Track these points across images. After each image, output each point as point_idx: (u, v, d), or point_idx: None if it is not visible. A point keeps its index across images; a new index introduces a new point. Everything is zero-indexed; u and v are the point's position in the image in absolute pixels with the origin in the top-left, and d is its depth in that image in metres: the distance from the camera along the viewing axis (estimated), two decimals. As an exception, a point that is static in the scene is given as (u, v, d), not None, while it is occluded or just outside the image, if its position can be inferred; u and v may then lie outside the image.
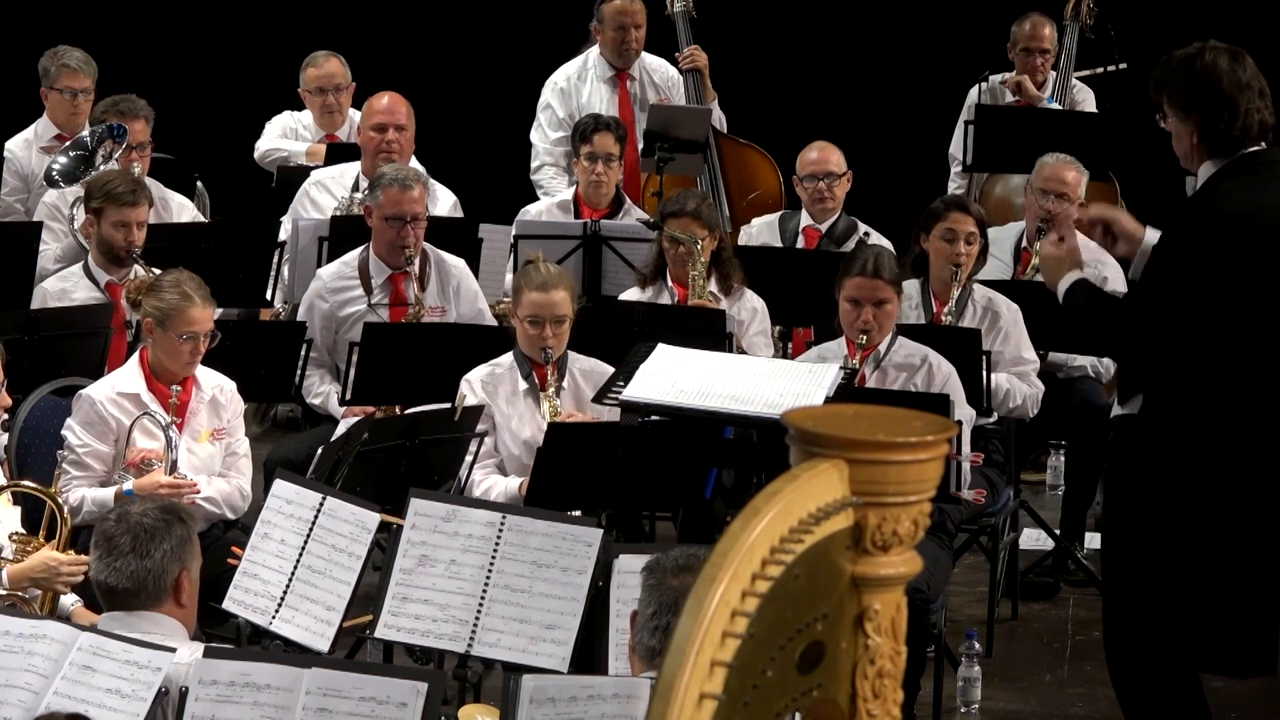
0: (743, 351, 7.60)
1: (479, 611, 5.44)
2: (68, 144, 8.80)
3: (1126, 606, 5.61)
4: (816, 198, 8.73)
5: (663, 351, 6.59)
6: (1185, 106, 5.49)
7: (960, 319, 7.70)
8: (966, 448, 6.73)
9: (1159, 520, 5.48)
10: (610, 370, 7.00)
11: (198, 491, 6.59)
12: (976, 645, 6.97)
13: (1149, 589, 5.53)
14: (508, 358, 7.11)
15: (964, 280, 7.66)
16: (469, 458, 6.75)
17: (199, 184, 9.71)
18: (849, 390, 6.56)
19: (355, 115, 9.53)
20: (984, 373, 7.40)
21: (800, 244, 8.75)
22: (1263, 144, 5.51)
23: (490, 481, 6.88)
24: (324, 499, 5.63)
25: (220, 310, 7.50)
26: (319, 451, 6.39)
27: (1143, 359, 5.53)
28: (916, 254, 7.74)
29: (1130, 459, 5.58)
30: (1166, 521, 5.47)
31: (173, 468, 6.60)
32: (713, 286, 7.90)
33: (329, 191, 8.96)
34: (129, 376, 6.77)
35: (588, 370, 7.11)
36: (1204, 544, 5.45)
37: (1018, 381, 7.65)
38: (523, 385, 7.04)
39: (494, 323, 7.96)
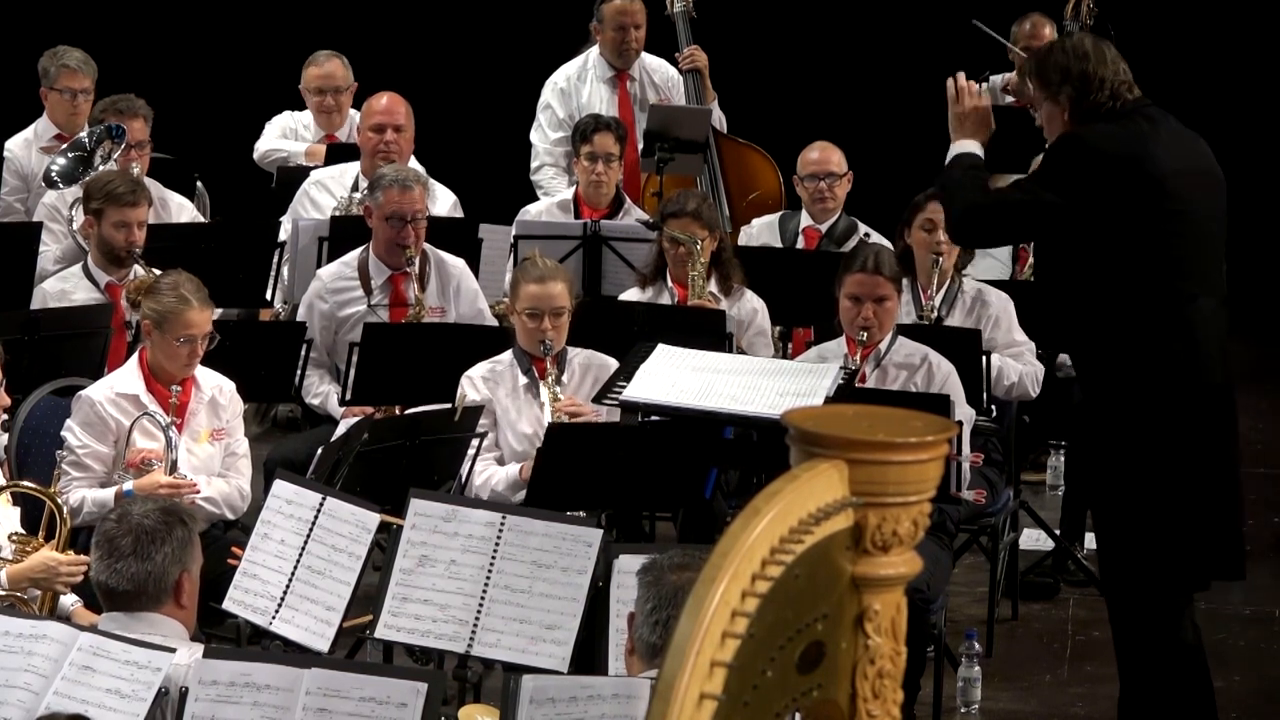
0: (743, 351, 7.60)
1: (479, 612, 5.44)
2: (67, 144, 8.79)
3: (1116, 561, 5.79)
4: (817, 198, 8.73)
5: (663, 351, 6.59)
6: (1058, 84, 5.79)
7: (951, 313, 7.73)
8: (966, 448, 6.73)
9: (1116, 470, 5.73)
10: (607, 360, 7.02)
11: (197, 491, 6.59)
12: (976, 645, 6.97)
13: (1126, 537, 5.73)
14: (507, 355, 7.12)
15: (949, 270, 7.71)
16: (470, 451, 6.75)
17: (199, 184, 9.70)
18: (849, 390, 6.57)
19: (355, 115, 9.53)
20: (984, 372, 7.41)
21: (800, 244, 8.75)
22: None
23: (491, 471, 6.90)
24: (324, 499, 5.62)
25: (220, 310, 7.50)
26: (319, 451, 6.39)
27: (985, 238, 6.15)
28: (903, 249, 7.79)
29: (1087, 423, 5.83)
30: (1121, 470, 5.71)
31: (172, 468, 6.60)
32: (712, 286, 7.90)
33: (329, 191, 8.96)
34: (128, 377, 6.77)
35: (586, 364, 7.12)
36: (1147, 483, 5.67)
37: (1010, 361, 7.67)
38: (522, 380, 7.05)
39: (494, 323, 7.96)
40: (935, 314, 7.73)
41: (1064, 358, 8.27)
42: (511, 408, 7.03)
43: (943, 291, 7.75)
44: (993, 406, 7.59)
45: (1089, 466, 5.92)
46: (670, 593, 4.39)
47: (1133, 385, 5.65)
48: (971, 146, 6.10)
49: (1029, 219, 5.79)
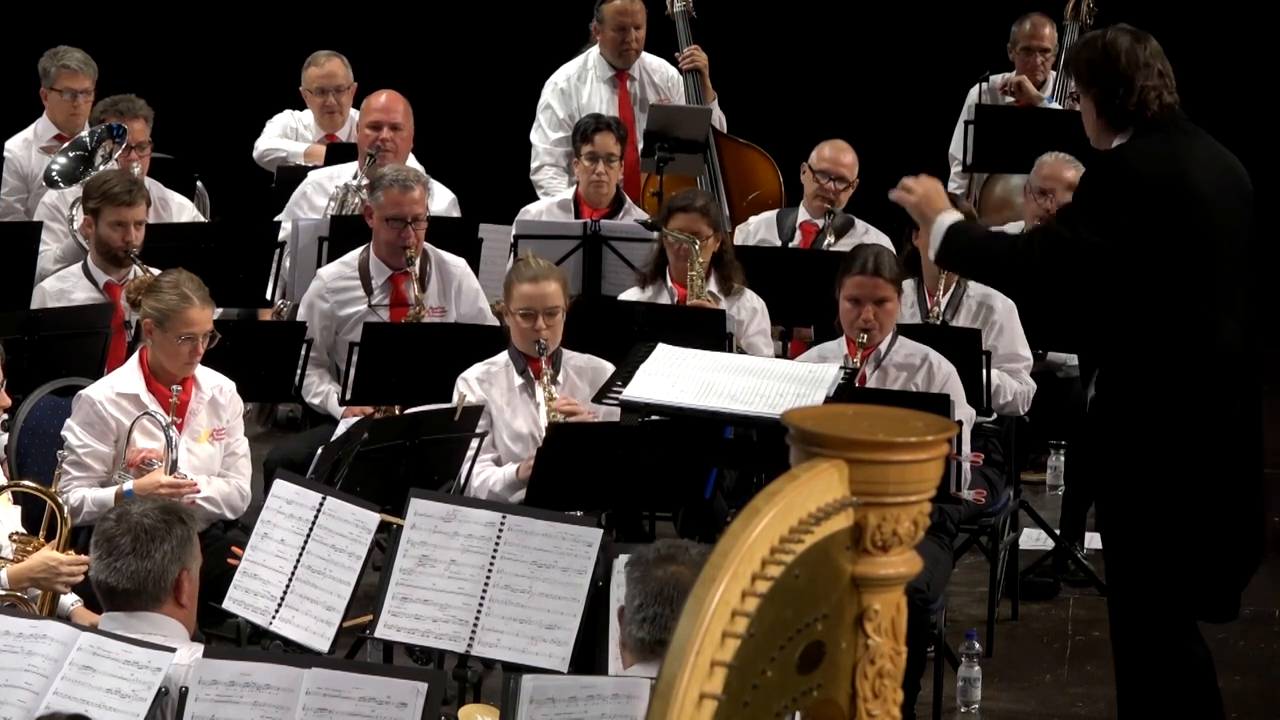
0: (743, 351, 7.60)
1: (479, 611, 5.44)
2: (67, 144, 8.79)
3: (1124, 576, 5.70)
4: (819, 195, 8.73)
5: (663, 351, 6.59)
6: (1088, 82, 5.70)
7: (956, 316, 7.71)
8: (966, 448, 6.72)
9: (1130, 490, 5.62)
10: (605, 365, 7.02)
11: (198, 491, 6.59)
12: (976, 645, 6.97)
13: (1137, 554, 5.63)
14: (502, 356, 7.12)
15: (955, 274, 7.69)
16: (470, 453, 6.75)
17: (199, 184, 9.70)
18: (849, 390, 6.56)
19: (356, 115, 9.53)
20: (984, 372, 7.41)
21: (798, 239, 8.75)
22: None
23: (488, 472, 6.90)
24: (324, 499, 5.63)
25: (220, 310, 7.50)
26: (319, 451, 6.39)
27: (1034, 297, 5.75)
28: (909, 251, 7.77)
29: (1098, 437, 5.72)
30: (1135, 490, 5.60)
31: (173, 468, 6.60)
32: (712, 286, 7.90)
33: (327, 192, 8.96)
34: (128, 377, 6.78)
35: (582, 367, 7.12)
36: (1163, 508, 5.56)
37: (1009, 378, 7.66)
38: (518, 381, 7.05)
39: (495, 322, 7.96)
40: (940, 320, 7.72)
41: (1064, 357, 8.26)
42: (507, 408, 7.03)
43: (948, 295, 7.73)
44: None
45: (1101, 481, 5.81)
46: (655, 589, 4.43)
47: (1157, 409, 5.52)
48: (951, 217, 5.76)
49: (1073, 259, 5.50)
